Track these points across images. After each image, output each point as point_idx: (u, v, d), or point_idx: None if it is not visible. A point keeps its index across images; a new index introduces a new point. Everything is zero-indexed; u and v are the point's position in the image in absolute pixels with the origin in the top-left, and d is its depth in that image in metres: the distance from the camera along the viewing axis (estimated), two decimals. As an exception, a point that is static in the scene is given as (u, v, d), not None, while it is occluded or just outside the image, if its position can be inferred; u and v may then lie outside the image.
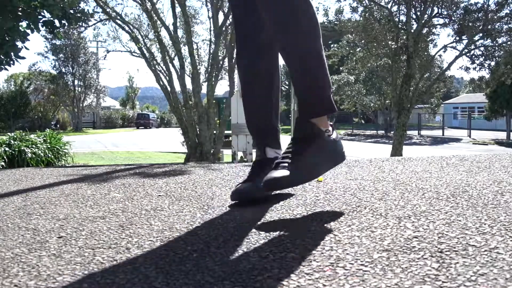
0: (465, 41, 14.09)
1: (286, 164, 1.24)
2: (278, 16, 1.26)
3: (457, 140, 25.84)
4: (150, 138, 26.31)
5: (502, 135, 27.34)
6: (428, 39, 15.09)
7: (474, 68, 14.71)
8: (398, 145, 13.01)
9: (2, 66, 5.57)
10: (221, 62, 10.82)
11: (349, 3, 15.50)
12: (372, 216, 1.17)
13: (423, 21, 13.44)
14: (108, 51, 14.40)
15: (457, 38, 14.34)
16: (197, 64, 10.69)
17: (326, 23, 18.96)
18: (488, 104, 27.98)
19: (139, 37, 11.00)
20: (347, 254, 0.89)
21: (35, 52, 38.21)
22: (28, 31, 5.56)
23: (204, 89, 10.20)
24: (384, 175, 1.85)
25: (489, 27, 13.40)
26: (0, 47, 5.36)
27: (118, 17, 10.57)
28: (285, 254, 0.90)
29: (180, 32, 11.21)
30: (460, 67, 15.48)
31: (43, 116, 35.54)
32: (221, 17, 10.09)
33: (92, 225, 1.23)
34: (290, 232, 1.07)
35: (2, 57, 5.48)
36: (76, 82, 36.95)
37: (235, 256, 0.91)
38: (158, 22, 10.03)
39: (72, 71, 36.55)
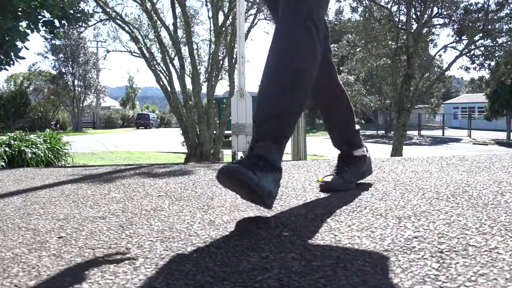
0: (465, 41, 14.09)
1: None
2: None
3: (457, 140, 25.84)
4: (150, 138, 26.30)
5: (502, 135, 27.33)
6: (428, 39, 15.09)
7: (474, 68, 14.71)
8: (398, 145, 13.00)
9: (2, 66, 5.57)
10: (221, 62, 10.81)
11: (349, 3, 15.51)
12: (372, 216, 1.17)
13: (423, 21, 13.44)
14: (108, 51, 14.37)
15: (457, 38, 14.34)
16: (197, 64, 10.69)
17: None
18: (488, 104, 27.96)
19: (139, 37, 11.00)
20: (347, 254, 0.89)
21: (35, 52, 38.16)
22: (28, 31, 5.55)
23: (204, 89, 10.20)
24: (384, 175, 1.85)
25: (489, 27, 13.39)
26: (0, 47, 5.36)
27: (118, 17, 10.57)
28: (285, 254, 0.90)
29: (180, 32, 11.21)
30: (460, 67, 15.47)
31: (43, 116, 35.50)
32: (221, 17, 10.10)
33: (92, 225, 1.23)
34: (290, 232, 1.07)
35: (2, 57, 5.48)
36: (76, 82, 36.91)
37: (235, 256, 0.91)
38: (158, 22, 10.03)
39: (72, 71, 36.51)
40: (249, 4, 10.63)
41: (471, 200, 1.31)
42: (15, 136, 6.01)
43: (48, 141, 6.37)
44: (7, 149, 5.53)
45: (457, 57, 13.94)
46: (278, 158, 1.20)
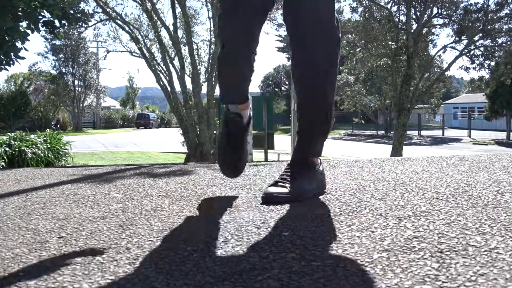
0: (465, 41, 14.10)
1: (285, 184, 1.44)
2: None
3: (457, 140, 25.85)
4: (150, 138, 26.30)
5: (502, 135, 27.33)
6: (428, 39, 15.09)
7: (474, 68, 14.72)
8: (398, 145, 13.01)
9: (2, 67, 5.57)
10: (221, 62, 10.79)
11: (349, 3, 15.51)
12: (372, 216, 1.17)
13: (423, 21, 13.45)
14: (108, 51, 14.41)
15: (457, 38, 14.35)
16: (197, 64, 10.69)
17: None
18: (488, 104, 27.98)
19: (139, 37, 11.01)
20: (347, 254, 0.89)
21: (35, 53, 38.13)
22: (28, 31, 5.56)
23: (204, 89, 10.21)
24: (384, 175, 1.85)
25: (489, 27, 13.40)
26: (0, 47, 5.36)
27: (118, 17, 10.58)
28: (285, 254, 0.90)
29: (180, 33, 11.21)
30: (460, 67, 15.47)
31: (43, 116, 35.51)
32: (221, 17, 10.08)
33: (92, 225, 1.23)
34: (290, 232, 1.07)
35: (2, 57, 5.48)
36: (76, 82, 36.94)
37: (235, 256, 0.91)
38: (158, 22, 10.03)
39: (72, 71, 36.54)
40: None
41: (471, 200, 1.31)
42: (15, 136, 6.02)
43: (48, 141, 6.37)
44: (7, 149, 5.53)
45: (457, 57, 13.95)
46: None
